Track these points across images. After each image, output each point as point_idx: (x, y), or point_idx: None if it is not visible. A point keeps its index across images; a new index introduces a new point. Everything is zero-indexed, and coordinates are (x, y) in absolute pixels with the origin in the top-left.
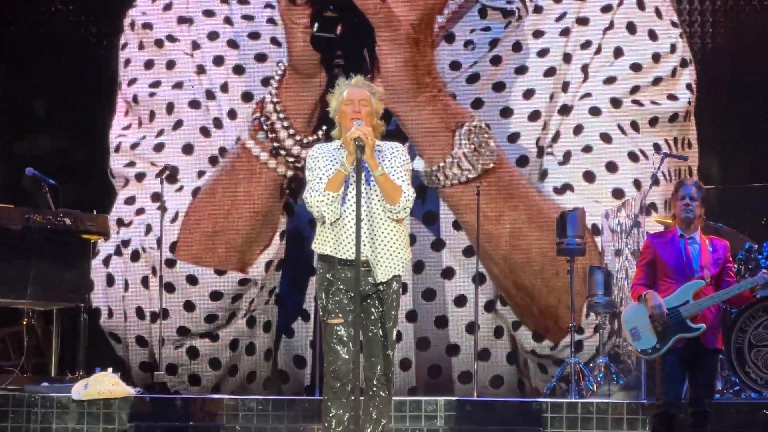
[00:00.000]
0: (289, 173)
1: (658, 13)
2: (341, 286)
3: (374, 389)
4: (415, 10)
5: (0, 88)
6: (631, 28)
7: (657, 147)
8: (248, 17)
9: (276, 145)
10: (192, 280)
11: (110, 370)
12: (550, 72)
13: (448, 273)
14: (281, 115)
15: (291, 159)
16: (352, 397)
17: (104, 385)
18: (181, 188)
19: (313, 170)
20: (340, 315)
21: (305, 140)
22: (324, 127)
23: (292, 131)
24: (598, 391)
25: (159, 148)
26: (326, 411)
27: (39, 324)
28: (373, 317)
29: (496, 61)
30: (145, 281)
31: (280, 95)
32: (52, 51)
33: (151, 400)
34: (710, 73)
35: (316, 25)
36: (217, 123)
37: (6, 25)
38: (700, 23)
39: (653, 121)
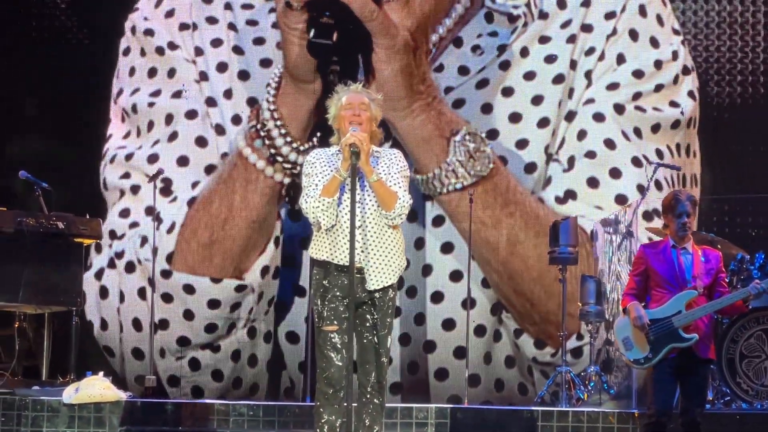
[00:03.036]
0: (286, 180)
1: (660, 20)
2: (337, 293)
3: (368, 396)
4: (411, 17)
5: None
6: (634, 35)
7: (659, 153)
8: (253, 22)
9: (273, 152)
10: (189, 289)
11: (101, 373)
12: (558, 79)
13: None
14: (278, 123)
15: (288, 166)
16: (345, 404)
17: (95, 388)
18: (174, 199)
19: (310, 176)
20: (335, 322)
21: (301, 147)
22: (318, 134)
23: (288, 138)
24: (588, 399)
25: (153, 159)
26: (318, 417)
27: (31, 327)
28: (368, 324)
29: (504, 66)
30: (141, 293)
31: (277, 102)
32: (45, 50)
33: (142, 404)
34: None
35: (312, 32)
36: (219, 129)
37: None
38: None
39: (655, 128)
